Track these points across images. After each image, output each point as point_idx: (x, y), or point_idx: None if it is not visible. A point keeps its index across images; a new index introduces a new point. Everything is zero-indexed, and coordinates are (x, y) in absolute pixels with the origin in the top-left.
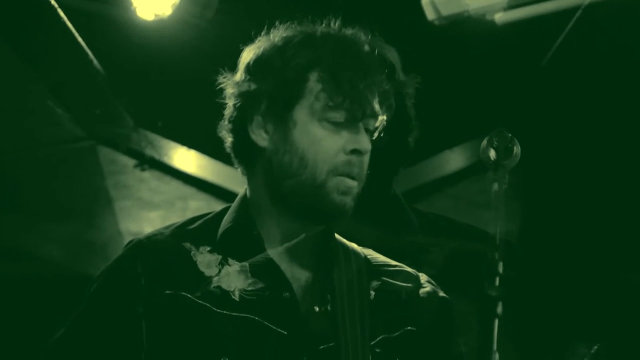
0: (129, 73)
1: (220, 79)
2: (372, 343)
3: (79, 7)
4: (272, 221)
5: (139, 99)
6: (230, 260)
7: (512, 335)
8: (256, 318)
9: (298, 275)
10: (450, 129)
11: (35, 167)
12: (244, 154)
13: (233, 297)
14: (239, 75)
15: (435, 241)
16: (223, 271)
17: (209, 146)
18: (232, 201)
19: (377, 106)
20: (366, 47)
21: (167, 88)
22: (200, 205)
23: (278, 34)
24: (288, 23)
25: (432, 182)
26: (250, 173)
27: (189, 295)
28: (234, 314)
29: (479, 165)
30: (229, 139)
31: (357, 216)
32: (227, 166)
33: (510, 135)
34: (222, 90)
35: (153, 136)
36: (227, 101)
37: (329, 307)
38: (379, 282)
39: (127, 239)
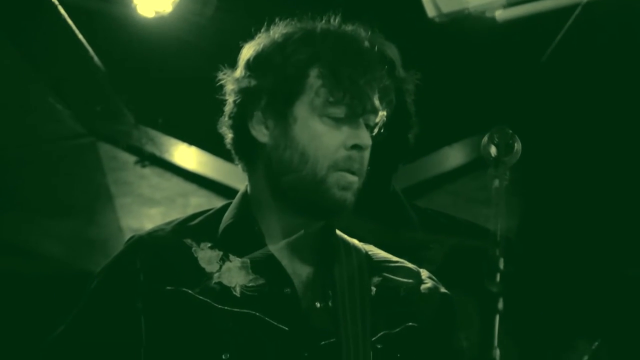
0: (129, 70)
1: (220, 75)
2: (373, 339)
3: (80, 4)
4: (273, 217)
5: (139, 95)
6: (231, 256)
7: (512, 331)
8: (257, 314)
9: (299, 271)
10: (450, 126)
11: (35, 163)
12: (244, 150)
13: (234, 293)
14: (239, 71)
15: (434, 237)
16: (224, 267)
17: (209, 143)
18: (233, 198)
19: (377, 102)
20: (366, 43)
21: (168, 85)
22: (201, 201)
23: (278, 31)
24: (288, 20)
25: (431, 179)
26: (250, 169)
27: (189, 291)
28: (235, 309)
29: (479, 162)
30: (229, 135)
31: (357, 212)
32: (228, 163)
33: (511, 131)
34: (222, 86)
35: (154, 133)
36: (227, 98)
37: (330, 303)
38: (380, 278)
39: (128, 235)
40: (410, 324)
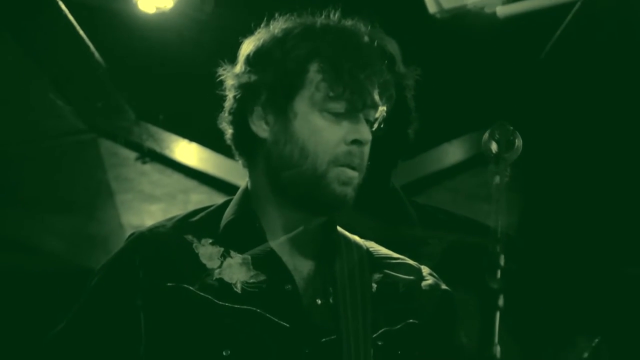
0: (130, 66)
1: (220, 71)
2: (373, 336)
3: (81, 0)
4: (274, 213)
5: (140, 91)
6: (232, 253)
7: (512, 328)
8: (258, 310)
9: (300, 268)
10: (449, 122)
11: (37, 160)
12: (244, 146)
13: (235, 289)
14: (239, 67)
15: (433, 234)
16: (225, 263)
17: (210, 139)
18: (234, 194)
19: (377, 97)
20: (366, 38)
21: (169, 81)
22: (201, 198)
23: (278, 26)
24: (287, 15)
25: (430, 175)
26: (251, 165)
27: (190, 288)
28: (236, 306)
29: (478, 159)
30: (229, 131)
31: (356, 209)
32: (228, 159)
33: (512, 128)
34: (222, 82)
35: (154, 129)
36: (227, 93)
37: (330, 300)
38: (380, 275)
39: (129, 232)
40: (411, 320)
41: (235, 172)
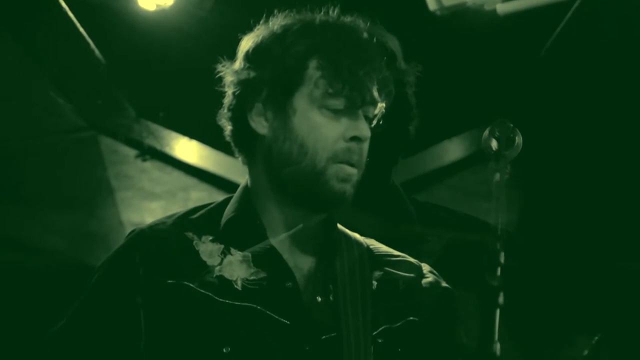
0: (130, 63)
1: (219, 67)
2: (374, 333)
3: None
4: (274, 210)
5: (140, 89)
6: (233, 250)
7: (512, 325)
8: (258, 307)
9: (300, 265)
10: (449, 120)
11: (37, 157)
12: (243, 142)
13: (235, 286)
14: (238, 63)
15: (433, 231)
16: (225, 260)
17: (210, 136)
18: (234, 192)
19: (376, 93)
20: (365, 35)
21: (169, 78)
22: (202, 195)
23: (277, 23)
24: (287, 12)
25: (430, 173)
26: (250, 162)
27: (190, 285)
28: (236, 303)
29: (478, 156)
30: (228, 127)
31: (356, 206)
32: (229, 157)
33: (512, 125)
34: (222, 79)
35: (154, 126)
36: (226, 89)
37: (331, 297)
38: (381, 272)
39: (129, 229)
40: (411, 318)
41: (235, 170)
